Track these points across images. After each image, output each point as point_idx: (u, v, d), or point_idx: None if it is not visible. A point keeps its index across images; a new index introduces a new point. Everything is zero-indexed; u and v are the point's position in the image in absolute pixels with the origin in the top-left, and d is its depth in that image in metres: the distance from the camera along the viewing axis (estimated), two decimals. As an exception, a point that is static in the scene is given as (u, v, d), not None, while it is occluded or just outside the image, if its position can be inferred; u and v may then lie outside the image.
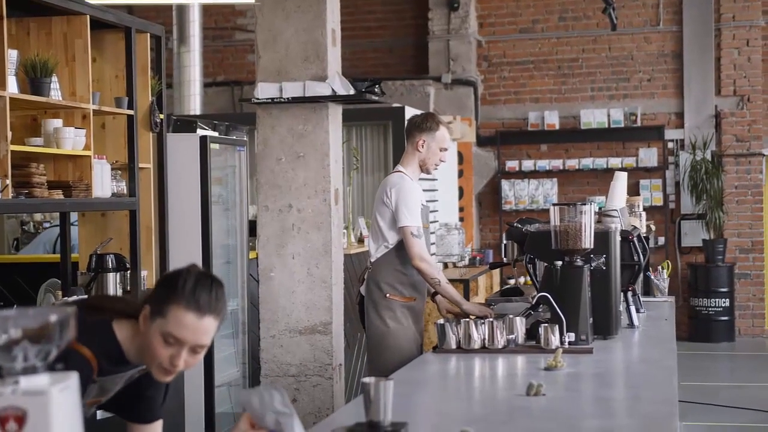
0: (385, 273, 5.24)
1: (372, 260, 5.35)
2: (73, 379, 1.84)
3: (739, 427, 8.12)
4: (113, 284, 5.51)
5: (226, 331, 6.72)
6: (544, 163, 12.86)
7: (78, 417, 1.85)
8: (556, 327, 4.24)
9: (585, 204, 4.47)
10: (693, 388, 9.39)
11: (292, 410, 2.57)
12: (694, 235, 12.58)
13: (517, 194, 12.94)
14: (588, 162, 12.74)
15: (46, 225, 8.19)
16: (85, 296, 5.08)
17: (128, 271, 5.63)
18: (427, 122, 5.32)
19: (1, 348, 1.80)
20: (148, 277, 5.90)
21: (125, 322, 2.72)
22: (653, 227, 9.95)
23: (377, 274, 5.26)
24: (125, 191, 5.62)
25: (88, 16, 5.25)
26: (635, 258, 5.08)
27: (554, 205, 4.50)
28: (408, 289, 5.23)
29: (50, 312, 1.83)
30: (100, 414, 4.76)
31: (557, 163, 12.82)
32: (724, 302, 12.24)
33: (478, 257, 11.49)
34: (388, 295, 5.22)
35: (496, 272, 11.34)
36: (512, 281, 12.15)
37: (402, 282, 5.24)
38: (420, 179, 5.40)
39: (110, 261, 5.50)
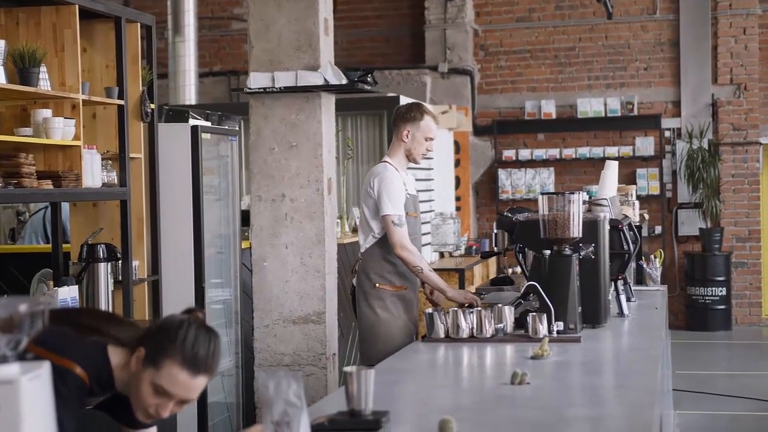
0: (374, 263, 5.26)
1: (361, 251, 5.37)
2: (44, 368, 1.84)
3: (734, 416, 8.13)
4: (104, 274, 5.51)
5: (219, 321, 6.72)
6: (540, 153, 12.85)
7: (50, 406, 1.85)
8: (544, 316, 4.25)
9: (573, 193, 4.47)
10: (689, 376, 9.40)
11: (303, 404, 2.58)
12: (690, 224, 12.58)
13: (514, 183, 12.93)
14: (585, 151, 12.73)
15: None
16: (79, 307, 5.03)
17: (119, 261, 5.63)
18: (411, 112, 5.33)
19: (-29, 338, 1.80)
20: (140, 267, 5.90)
21: (119, 350, 2.70)
22: (647, 216, 9.94)
23: (366, 264, 5.29)
24: (116, 181, 5.62)
25: (77, 5, 5.24)
26: (625, 247, 5.07)
27: (542, 194, 4.51)
28: (397, 278, 5.25)
29: (20, 302, 1.83)
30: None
31: (554, 153, 12.81)
32: (721, 291, 12.24)
33: (474, 247, 11.49)
34: (377, 284, 5.24)
35: (493, 261, 11.35)
36: (509, 270, 12.16)
37: (391, 271, 5.25)
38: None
39: (101, 251, 5.49)
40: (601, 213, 4.87)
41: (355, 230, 7.96)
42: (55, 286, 5.34)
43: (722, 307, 12.28)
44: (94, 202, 5.74)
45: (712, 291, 12.24)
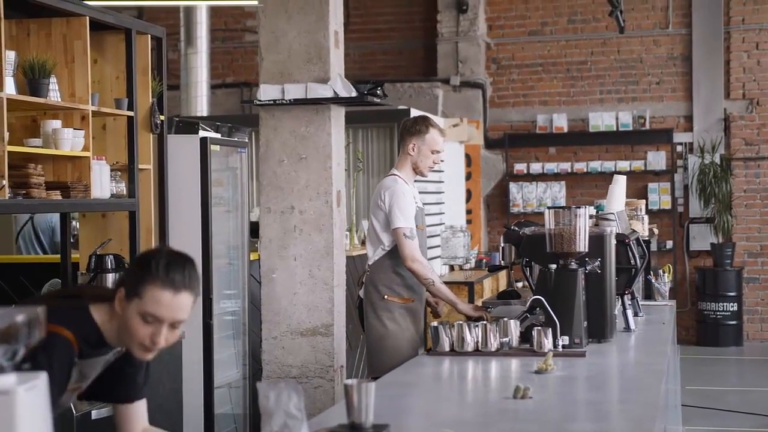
0: (383, 275, 5.27)
1: (370, 263, 5.38)
2: (40, 378, 1.85)
3: (744, 432, 8.10)
4: (112, 285, 5.53)
5: (227, 332, 6.74)
6: (552, 166, 12.84)
7: (46, 417, 1.86)
8: (549, 330, 4.24)
9: (579, 208, 4.47)
10: (699, 392, 9.36)
11: (303, 416, 2.59)
12: (702, 238, 12.54)
13: (526, 197, 12.92)
14: (596, 165, 12.72)
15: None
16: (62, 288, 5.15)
17: (127, 272, 5.64)
18: (416, 125, 5.35)
19: (-32, 348, 1.81)
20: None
21: (102, 306, 2.79)
22: (656, 231, 9.91)
23: (375, 276, 5.30)
24: (125, 192, 5.64)
25: (87, 17, 5.27)
26: (632, 262, 5.06)
27: (549, 208, 4.50)
28: (406, 290, 5.26)
29: (17, 312, 1.84)
30: (95, 414, 4.79)
31: (565, 166, 12.80)
32: (732, 306, 12.19)
33: (485, 260, 11.48)
34: (386, 296, 5.25)
35: (503, 275, 11.32)
36: (520, 284, 12.13)
37: (399, 284, 5.26)
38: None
39: (109, 262, 5.51)
40: (607, 227, 4.86)
41: (364, 242, 7.97)
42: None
43: (734, 322, 12.23)
44: (103, 212, 5.76)
45: (723, 306, 12.19)
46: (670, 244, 12.50)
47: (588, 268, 4.50)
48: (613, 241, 4.72)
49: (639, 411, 3.14)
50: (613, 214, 5.20)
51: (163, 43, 6.11)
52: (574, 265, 4.44)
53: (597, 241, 4.57)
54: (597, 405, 3.36)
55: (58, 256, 5.91)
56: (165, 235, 6.05)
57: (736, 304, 12.20)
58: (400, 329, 5.22)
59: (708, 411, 8.64)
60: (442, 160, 5.56)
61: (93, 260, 5.53)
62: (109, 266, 5.51)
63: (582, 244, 4.43)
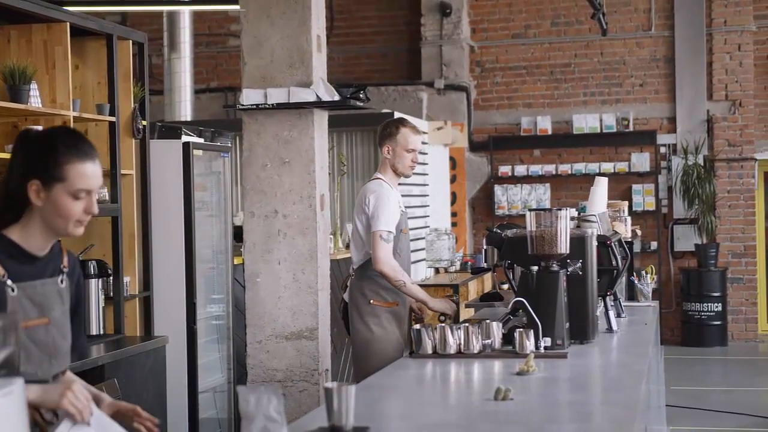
0: (368, 279, 5.28)
1: (354, 267, 5.38)
2: (17, 384, 1.85)
3: (729, 431, 8.13)
4: (95, 291, 5.52)
5: (211, 337, 6.73)
6: (536, 168, 12.88)
7: (22, 422, 1.87)
8: (531, 332, 4.25)
9: (561, 209, 4.48)
10: (684, 392, 9.40)
11: (283, 420, 2.60)
12: (686, 239, 12.59)
13: (510, 199, 12.95)
14: (580, 167, 12.76)
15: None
16: None
17: (110, 278, 5.64)
18: (387, 129, 5.40)
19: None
20: (131, 283, 5.91)
21: (12, 227, 2.76)
22: (639, 232, 9.95)
23: (361, 280, 5.31)
24: (107, 198, 5.64)
25: (68, 23, 5.27)
26: (613, 263, 5.08)
27: (530, 210, 4.52)
28: (391, 294, 5.28)
29: (-8, 318, 1.84)
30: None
31: (550, 168, 12.83)
32: (717, 307, 12.24)
33: (470, 262, 11.50)
34: (372, 301, 5.26)
35: (488, 277, 11.35)
36: (505, 286, 12.15)
37: (385, 287, 5.28)
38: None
39: (92, 267, 5.51)
40: (589, 229, 4.88)
41: (348, 246, 7.97)
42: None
43: (718, 322, 12.28)
44: (86, 218, 5.75)
45: (707, 307, 12.24)
46: (654, 245, 12.54)
47: (569, 269, 4.51)
48: (595, 243, 4.74)
49: (619, 412, 3.16)
50: (594, 215, 5.22)
51: (145, 48, 6.11)
52: (555, 267, 4.46)
53: (578, 242, 4.58)
54: (577, 406, 3.37)
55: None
56: (148, 239, 6.05)
57: (720, 304, 12.25)
58: (386, 333, 5.24)
59: (693, 411, 8.67)
60: (424, 156, 5.58)
61: (76, 266, 5.52)
62: (92, 272, 5.50)
63: (563, 246, 4.44)
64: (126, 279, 5.79)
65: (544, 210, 4.50)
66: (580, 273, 4.56)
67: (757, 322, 12.68)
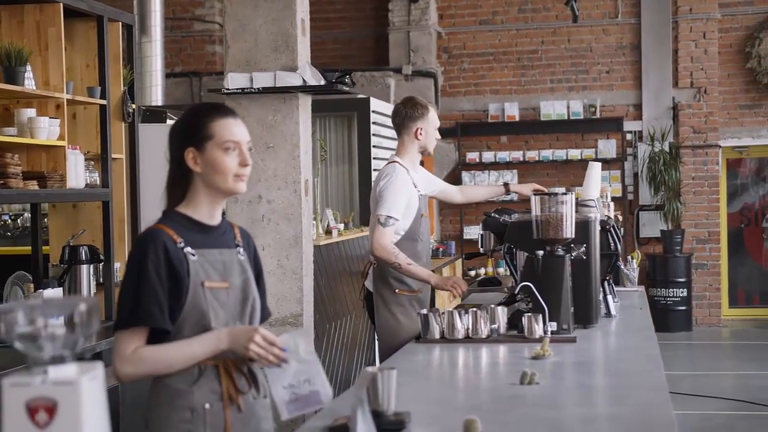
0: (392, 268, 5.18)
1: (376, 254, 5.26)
2: (99, 369, 1.82)
3: (699, 415, 8.23)
4: (86, 276, 5.45)
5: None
6: (504, 155, 12.91)
7: (104, 406, 1.83)
8: (540, 316, 4.26)
9: (566, 193, 4.49)
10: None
11: (315, 358, 2.61)
12: (652, 225, 12.71)
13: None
14: (548, 153, 12.81)
15: (26, 215, 8.08)
16: None
17: (101, 263, 5.57)
18: (417, 110, 5.34)
19: (28, 338, 1.77)
20: (122, 269, 5.83)
21: (181, 204, 2.91)
22: (620, 217, 10.04)
23: (384, 268, 5.20)
24: (98, 182, 5.56)
25: (61, 4, 5.17)
26: (612, 247, 5.11)
27: (535, 194, 4.52)
28: (415, 282, 5.21)
29: (78, 301, 1.80)
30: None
31: (517, 155, 12.88)
32: (682, 292, 12.38)
33: (440, 249, 11.53)
34: (397, 290, 5.21)
35: (458, 263, 11.39)
36: (482, 271, 12.20)
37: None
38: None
39: (84, 253, 5.43)
40: (590, 213, 4.90)
41: (329, 232, 7.94)
42: (37, 289, 5.27)
43: (683, 308, 12.42)
44: (74, 203, 5.67)
45: (673, 292, 12.38)
46: (621, 231, 12.62)
47: (574, 254, 4.53)
48: (598, 227, 4.76)
49: (650, 396, 3.17)
50: (593, 200, 5.24)
51: (134, 30, 6.04)
52: (560, 252, 4.47)
53: (582, 227, 4.60)
54: (604, 390, 3.38)
55: (29, 248, 5.81)
56: (137, 224, 5.98)
57: (685, 289, 12.39)
58: (412, 321, 5.14)
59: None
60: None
61: (67, 251, 5.44)
62: (84, 257, 5.43)
63: (568, 231, 4.45)
64: (116, 264, 5.71)
65: (549, 194, 4.50)
66: (584, 257, 4.57)
67: (720, 307, 12.85)
